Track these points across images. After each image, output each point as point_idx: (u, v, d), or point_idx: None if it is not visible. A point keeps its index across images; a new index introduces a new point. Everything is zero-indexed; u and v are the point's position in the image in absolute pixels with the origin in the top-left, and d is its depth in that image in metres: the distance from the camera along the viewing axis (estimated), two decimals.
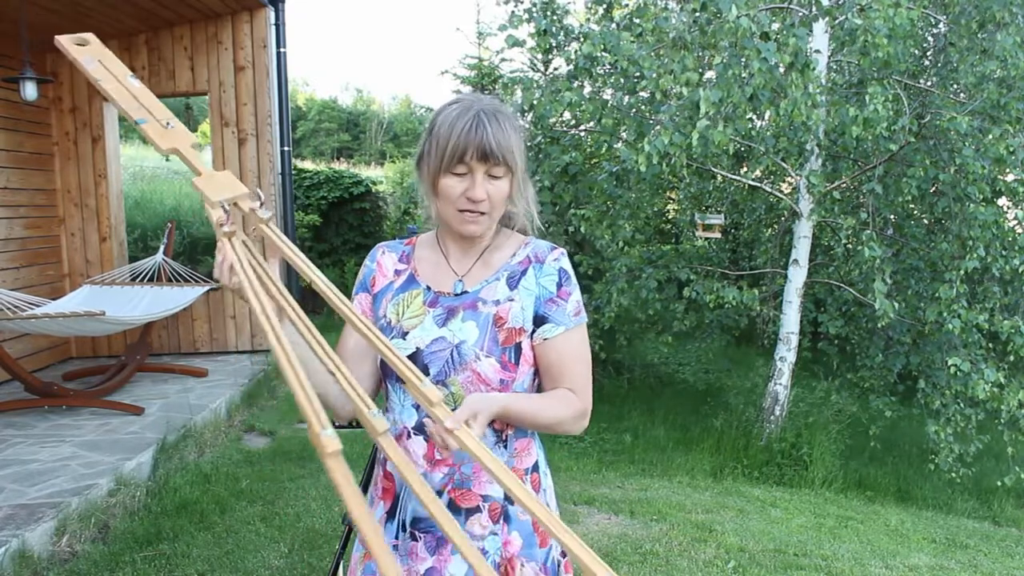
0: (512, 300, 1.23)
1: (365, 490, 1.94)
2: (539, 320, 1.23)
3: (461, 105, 1.19)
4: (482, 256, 1.28)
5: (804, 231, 5.13)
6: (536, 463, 1.31)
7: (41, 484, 3.32)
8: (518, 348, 1.22)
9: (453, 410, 1.20)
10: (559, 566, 1.33)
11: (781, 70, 4.15)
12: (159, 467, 3.80)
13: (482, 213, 1.20)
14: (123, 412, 4.43)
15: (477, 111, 1.16)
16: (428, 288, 1.27)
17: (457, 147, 1.14)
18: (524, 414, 1.18)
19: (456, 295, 1.25)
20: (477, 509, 1.22)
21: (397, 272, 1.32)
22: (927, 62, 6.06)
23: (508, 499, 1.24)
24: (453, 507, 1.22)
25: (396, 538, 1.25)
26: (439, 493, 1.22)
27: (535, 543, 1.26)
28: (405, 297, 1.27)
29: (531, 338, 1.24)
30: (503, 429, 1.24)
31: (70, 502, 3.12)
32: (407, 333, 1.23)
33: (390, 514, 1.27)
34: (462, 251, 1.29)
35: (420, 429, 1.23)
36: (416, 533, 1.23)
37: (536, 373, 1.27)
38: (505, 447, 1.25)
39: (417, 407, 1.24)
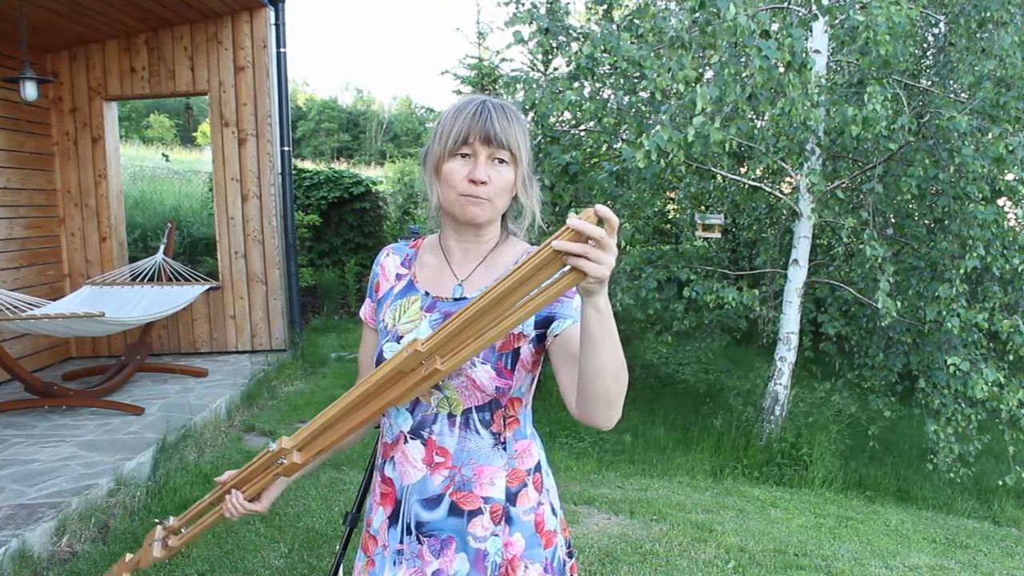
0: None
1: (365, 495, 1.93)
2: (545, 321, 1.19)
3: (467, 98, 1.21)
4: (486, 259, 1.27)
5: (804, 231, 5.12)
6: (538, 463, 1.30)
7: (41, 484, 3.32)
8: (516, 354, 1.19)
9: (449, 415, 1.20)
10: (565, 566, 1.32)
11: (780, 69, 4.15)
12: (159, 467, 3.80)
13: (485, 199, 1.18)
14: (123, 412, 4.43)
15: (483, 101, 1.19)
16: (426, 294, 1.27)
17: (461, 130, 1.16)
18: (612, 326, 1.00)
19: (455, 300, 1.24)
20: (479, 511, 1.21)
21: (399, 276, 1.32)
22: (927, 61, 6.05)
23: (509, 500, 1.23)
24: (455, 509, 1.21)
25: (401, 542, 1.24)
26: (440, 496, 1.21)
27: (538, 543, 1.25)
28: (403, 303, 1.28)
29: (534, 343, 1.20)
30: (501, 431, 1.23)
31: (70, 502, 3.12)
32: (402, 337, 1.23)
33: (392, 519, 1.26)
34: (464, 253, 1.27)
35: (416, 433, 1.22)
36: (421, 537, 1.22)
37: (533, 379, 1.26)
38: (504, 449, 1.23)
39: (412, 411, 1.23)
